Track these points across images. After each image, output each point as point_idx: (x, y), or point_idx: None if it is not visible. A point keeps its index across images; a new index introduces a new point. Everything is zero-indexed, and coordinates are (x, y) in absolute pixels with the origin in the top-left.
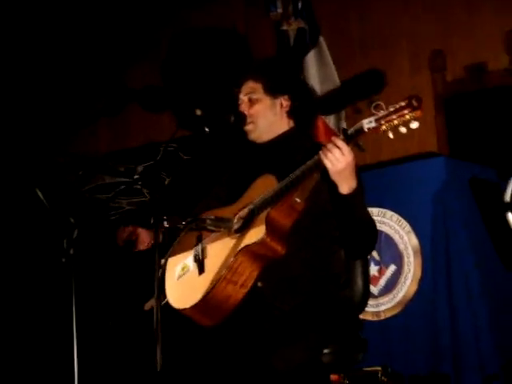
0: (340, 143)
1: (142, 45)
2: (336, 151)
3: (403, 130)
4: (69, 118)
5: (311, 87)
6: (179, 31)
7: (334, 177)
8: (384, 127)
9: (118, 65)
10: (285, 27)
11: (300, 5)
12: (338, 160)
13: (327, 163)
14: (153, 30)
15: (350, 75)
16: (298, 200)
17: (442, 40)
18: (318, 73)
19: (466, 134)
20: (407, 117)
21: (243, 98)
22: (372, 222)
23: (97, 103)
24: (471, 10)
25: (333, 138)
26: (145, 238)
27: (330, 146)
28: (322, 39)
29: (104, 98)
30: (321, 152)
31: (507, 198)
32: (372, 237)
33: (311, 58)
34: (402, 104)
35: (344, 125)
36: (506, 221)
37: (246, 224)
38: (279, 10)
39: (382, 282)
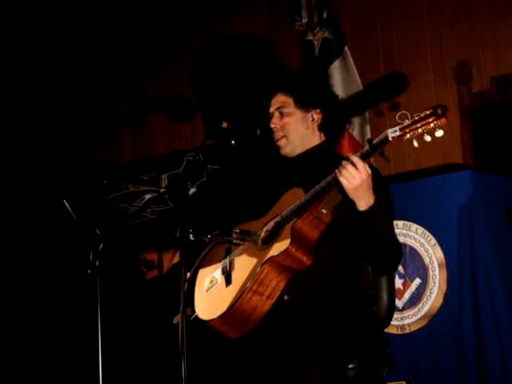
0: (355, 159)
1: (163, 54)
2: (350, 168)
3: (428, 138)
4: (91, 127)
5: (341, 99)
6: (202, 41)
7: (350, 194)
8: (408, 135)
9: (138, 74)
10: (310, 37)
11: (325, 15)
12: (353, 177)
13: (342, 180)
14: (174, 39)
15: None
16: (325, 211)
17: (467, 51)
18: (343, 83)
19: (492, 146)
20: (432, 125)
21: (274, 111)
22: (394, 239)
23: (120, 112)
24: (497, 21)
25: (348, 155)
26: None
27: (344, 162)
28: (346, 49)
29: (127, 106)
30: (336, 169)
31: None
32: (394, 254)
33: (336, 68)
34: (427, 112)
35: (368, 129)
36: None
37: (273, 236)
38: (304, 20)
39: (407, 295)
